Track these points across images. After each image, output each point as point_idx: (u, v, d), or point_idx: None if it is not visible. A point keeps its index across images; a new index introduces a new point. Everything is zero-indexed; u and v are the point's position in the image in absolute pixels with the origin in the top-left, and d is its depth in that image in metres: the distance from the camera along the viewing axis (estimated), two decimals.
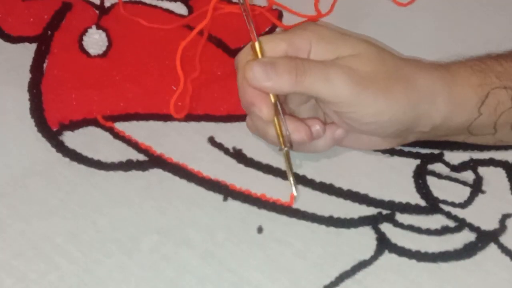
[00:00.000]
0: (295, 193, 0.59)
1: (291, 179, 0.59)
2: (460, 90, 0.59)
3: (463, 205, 0.61)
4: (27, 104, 0.68)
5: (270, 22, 0.77)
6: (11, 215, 0.59)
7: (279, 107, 0.59)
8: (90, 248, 0.57)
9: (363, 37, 0.60)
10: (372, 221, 0.60)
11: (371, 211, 0.60)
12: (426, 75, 0.59)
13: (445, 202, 0.61)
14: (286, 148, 0.59)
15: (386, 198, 0.61)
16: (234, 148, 0.65)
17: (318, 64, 0.57)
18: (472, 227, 0.59)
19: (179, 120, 0.67)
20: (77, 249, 0.57)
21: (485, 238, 0.58)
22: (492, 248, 0.58)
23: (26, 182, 0.62)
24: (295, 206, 0.60)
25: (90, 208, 0.60)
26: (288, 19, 0.78)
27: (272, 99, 0.58)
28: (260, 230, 0.59)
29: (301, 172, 0.63)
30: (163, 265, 0.56)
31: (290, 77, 0.56)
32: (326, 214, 0.60)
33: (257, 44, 0.59)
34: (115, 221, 0.59)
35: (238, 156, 0.64)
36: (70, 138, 0.65)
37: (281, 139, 0.58)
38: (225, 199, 0.60)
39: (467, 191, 0.62)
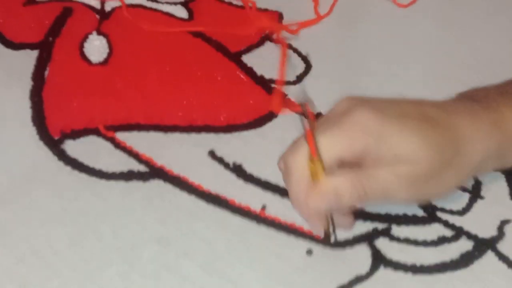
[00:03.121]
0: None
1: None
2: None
3: (461, 212, 0.61)
4: (28, 112, 0.68)
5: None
6: (13, 222, 0.59)
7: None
8: (92, 256, 0.57)
9: (420, 123, 0.56)
10: (368, 238, 0.60)
11: (367, 226, 0.61)
12: (480, 146, 0.57)
13: (443, 210, 0.61)
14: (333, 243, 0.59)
15: (382, 211, 0.61)
16: (234, 164, 0.65)
17: (377, 179, 0.55)
18: (469, 236, 0.60)
19: (181, 131, 0.67)
20: (79, 256, 0.57)
21: (482, 246, 0.59)
22: (489, 255, 0.58)
23: (27, 190, 0.62)
24: (294, 226, 0.60)
25: (92, 217, 0.60)
26: (288, 21, 0.78)
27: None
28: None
29: None
30: (164, 275, 0.57)
31: (352, 202, 0.55)
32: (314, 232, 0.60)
33: (318, 164, 0.54)
34: (116, 230, 0.59)
35: (238, 171, 0.64)
36: (71, 147, 0.65)
37: (332, 238, 0.58)
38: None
39: (465, 197, 0.62)
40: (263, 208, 0.62)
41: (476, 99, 0.59)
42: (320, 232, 0.58)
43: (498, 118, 0.57)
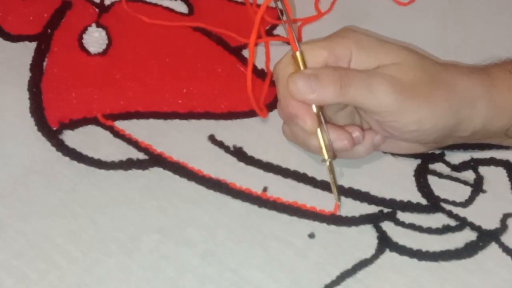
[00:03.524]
0: (339, 203, 0.60)
1: (335, 190, 0.59)
2: (500, 94, 0.59)
3: (464, 204, 0.61)
4: (27, 103, 0.68)
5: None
6: (11, 215, 0.59)
7: (321, 117, 0.58)
8: (90, 247, 0.57)
9: (402, 44, 0.60)
10: (373, 219, 0.60)
11: (372, 209, 0.60)
12: (466, 79, 0.59)
13: (446, 201, 0.61)
14: (329, 159, 0.58)
15: (387, 196, 0.61)
16: (234, 146, 0.65)
17: (361, 74, 0.57)
18: (473, 226, 0.59)
19: (180, 118, 0.67)
20: (77, 248, 0.57)
21: (486, 237, 0.58)
22: (493, 247, 0.58)
23: (26, 182, 0.61)
24: (297, 204, 0.60)
25: (90, 208, 0.60)
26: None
27: (315, 110, 0.58)
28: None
29: (302, 170, 0.63)
30: (163, 265, 0.56)
31: (334, 89, 0.56)
32: (327, 212, 0.60)
33: (299, 55, 0.58)
34: (115, 221, 0.59)
35: (239, 154, 0.64)
36: (70, 137, 0.65)
37: (324, 150, 0.58)
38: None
39: (468, 190, 0.62)
40: (265, 190, 0.61)
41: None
42: (316, 149, 0.58)
43: (489, 77, 0.59)
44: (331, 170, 0.59)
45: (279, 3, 0.59)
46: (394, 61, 0.57)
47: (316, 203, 0.60)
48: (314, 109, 0.57)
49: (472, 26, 0.78)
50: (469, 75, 0.59)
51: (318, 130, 0.58)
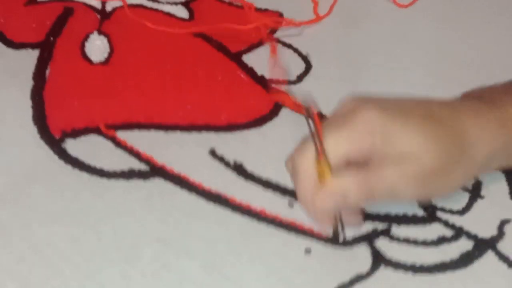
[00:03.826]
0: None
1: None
2: None
3: (461, 212, 0.61)
4: (29, 111, 0.68)
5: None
6: (14, 222, 0.59)
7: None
8: (92, 255, 0.57)
9: (424, 120, 0.56)
10: (368, 238, 0.60)
11: (366, 226, 0.61)
12: (487, 146, 0.57)
13: (442, 209, 0.61)
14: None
15: (382, 211, 0.61)
16: (234, 162, 0.65)
17: (384, 178, 0.55)
18: (469, 235, 0.60)
19: (181, 130, 0.67)
20: (79, 256, 0.57)
21: (482, 246, 0.59)
22: (489, 255, 0.58)
23: (28, 189, 0.62)
24: (294, 224, 0.61)
25: (92, 216, 0.60)
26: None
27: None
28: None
29: None
30: (164, 274, 0.57)
31: (359, 200, 0.55)
32: (324, 236, 0.60)
33: (326, 164, 0.55)
34: (116, 229, 0.59)
35: (238, 170, 0.65)
36: (72, 146, 0.65)
37: (341, 237, 0.59)
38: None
39: (465, 196, 0.62)
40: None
41: (481, 98, 0.59)
42: (328, 231, 0.58)
43: (503, 117, 0.57)
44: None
45: (310, 121, 0.57)
46: (417, 150, 0.55)
47: (313, 223, 0.60)
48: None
49: (472, 27, 0.78)
50: (491, 141, 0.57)
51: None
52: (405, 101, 0.57)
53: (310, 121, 0.55)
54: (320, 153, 0.54)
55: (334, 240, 0.59)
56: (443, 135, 0.56)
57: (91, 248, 0.58)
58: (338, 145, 0.55)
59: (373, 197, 0.55)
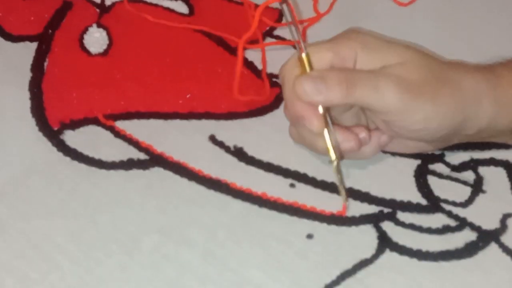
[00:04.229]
0: (347, 204, 0.60)
1: (343, 191, 0.59)
2: (505, 92, 0.59)
3: (464, 204, 0.61)
4: (27, 103, 0.68)
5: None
6: (12, 215, 0.59)
7: (328, 118, 0.58)
8: (91, 247, 0.57)
9: (407, 43, 0.60)
10: (374, 219, 0.60)
11: (372, 209, 0.60)
12: (471, 77, 0.59)
13: (446, 201, 0.61)
14: (337, 160, 0.58)
15: (387, 196, 0.61)
16: (235, 147, 0.65)
17: (367, 74, 0.57)
18: (473, 227, 0.59)
19: (181, 118, 0.67)
20: (78, 249, 0.57)
21: (486, 237, 0.58)
22: (493, 247, 0.58)
23: (26, 182, 0.62)
24: (297, 204, 0.60)
25: (91, 208, 0.60)
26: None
27: (321, 111, 0.58)
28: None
29: (302, 170, 0.63)
30: (164, 265, 0.56)
31: (340, 90, 0.56)
32: (327, 212, 0.60)
33: (305, 57, 0.58)
34: (115, 221, 0.59)
35: (239, 154, 0.64)
36: (71, 137, 0.65)
37: (332, 151, 0.58)
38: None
39: (467, 191, 0.62)
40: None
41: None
42: (318, 125, 0.58)
43: (491, 73, 0.60)
44: (339, 170, 0.59)
45: (284, 6, 0.59)
46: (399, 61, 0.57)
47: (316, 203, 0.60)
48: (321, 110, 0.58)
49: (472, 26, 0.78)
50: (474, 73, 0.59)
51: (325, 131, 0.58)
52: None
53: (286, 10, 0.59)
54: (299, 44, 0.56)
55: (330, 160, 0.58)
56: (428, 56, 0.59)
57: (90, 240, 0.58)
58: (321, 53, 0.58)
59: (355, 89, 0.56)
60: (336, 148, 0.59)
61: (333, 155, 0.58)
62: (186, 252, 0.57)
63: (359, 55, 0.58)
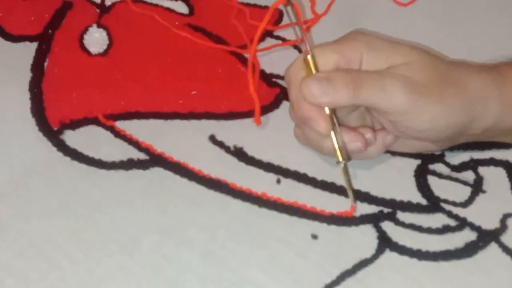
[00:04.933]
0: (355, 205, 0.60)
1: (351, 192, 0.59)
2: (511, 91, 0.59)
3: (464, 204, 0.61)
4: (27, 103, 0.68)
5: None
6: (12, 215, 0.59)
7: (335, 120, 0.58)
8: (91, 248, 0.57)
9: (412, 43, 0.60)
10: (374, 219, 0.60)
11: (372, 209, 0.60)
12: (477, 77, 0.59)
13: (446, 201, 0.61)
14: (344, 161, 0.58)
15: (387, 196, 0.61)
16: (235, 147, 0.65)
17: (373, 75, 0.57)
18: (473, 226, 0.59)
19: (181, 118, 0.67)
20: (78, 249, 0.57)
21: (486, 237, 0.58)
22: (493, 247, 0.58)
23: (26, 182, 0.61)
24: (297, 204, 0.60)
25: (91, 208, 0.60)
26: (286, 20, 0.78)
27: (328, 112, 0.58)
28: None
29: (302, 170, 0.63)
30: (164, 265, 0.56)
31: (347, 91, 0.56)
32: (327, 212, 0.60)
33: (310, 58, 0.58)
34: (115, 221, 0.59)
35: (239, 154, 0.64)
36: (71, 137, 0.65)
37: (338, 152, 0.58)
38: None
39: (467, 191, 0.62)
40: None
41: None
42: (325, 128, 0.58)
43: (497, 73, 0.60)
44: (346, 171, 0.59)
45: (289, 8, 0.59)
46: (405, 61, 0.57)
47: (316, 203, 0.60)
48: (327, 111, 0.57)
49: (472, 26, 0.78)
50: (480, 73, 0.59)
51: (332, 132, 0.58)
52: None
53: (291, 12, 0.58)
54: (304, 46, 0.56)
55: (337, 162, 0.58)
56: (433, 56, 0.59)
57: (89, 240, 0.58)
58: (327, 54, 0.58)
59: (361, 90, 0.56)
60: (343, 149, 0.59)
61: (340, 157, 0.58)
62: (186, 252, 0.57)
63: (365, 56, 0.58)
